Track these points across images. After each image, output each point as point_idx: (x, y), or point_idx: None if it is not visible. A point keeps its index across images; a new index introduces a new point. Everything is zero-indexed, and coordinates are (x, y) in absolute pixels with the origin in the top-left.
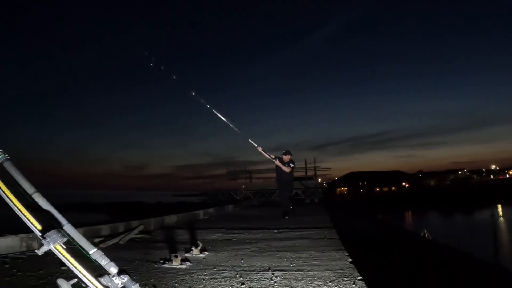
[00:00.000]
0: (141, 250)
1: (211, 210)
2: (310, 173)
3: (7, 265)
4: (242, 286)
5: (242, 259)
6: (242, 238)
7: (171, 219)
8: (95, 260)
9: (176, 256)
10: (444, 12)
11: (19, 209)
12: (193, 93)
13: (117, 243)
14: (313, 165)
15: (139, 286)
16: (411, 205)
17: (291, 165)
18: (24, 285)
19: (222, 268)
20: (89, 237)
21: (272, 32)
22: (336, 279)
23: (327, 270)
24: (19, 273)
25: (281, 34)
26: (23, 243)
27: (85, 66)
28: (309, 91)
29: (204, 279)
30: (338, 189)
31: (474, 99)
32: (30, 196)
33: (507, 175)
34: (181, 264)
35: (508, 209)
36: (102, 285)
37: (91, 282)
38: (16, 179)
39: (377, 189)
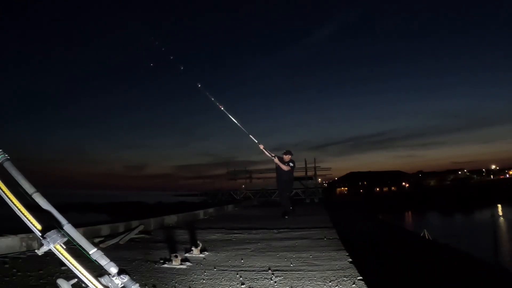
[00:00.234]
0: (141, 250)
1: (211, 210)
2: (310, 173)
3: (7, 265)
4: (242, 286)
5: (242, 259)
6: (242, 238)
7: (171, 219)
8: (95, 260)
9: (176, 256)
10: (443, 12)
11: (19, 209)
12: (199, 85)
13: (117, 243)
14: (313, 165)
15: (139, 286)
16: (411, 205)
17: (291, 164)
18: (24, 285)
19: (222, 268)
20: (89, 237)
21: (272, 32)
22: (336, 279)
23: (327, 270)
24: (19, 273)
25: (281, 34)
26: (23, 243)
27: (85, 66)
28: (309, 91)
29: (204, 279)
30: (338, 189)
31: (474, 99)
32: (30, 196)
33: (507, 175)
34: (181, 264)
35: (508, 209)
36: (102, 285)
37: (91, 282)
38: (16, 179)
39: (377, 189)
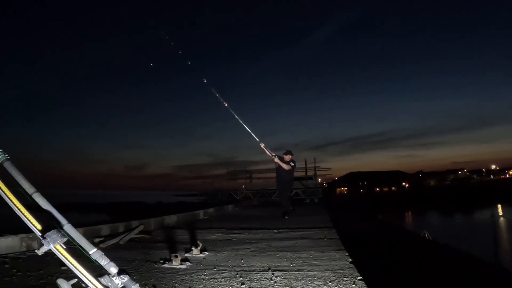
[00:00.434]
0: (141, 250)
1: (211, 210)
2: (310, 173)
3: (7, 265)
4: (242, 286)
5: (242, 259)
6: (242, 238)
7: (171, 219)
8: (95, 260)
9: (176, 256)
10: (444, 12)
11: (19, 209)
12: (205, 80)
13: (117, 243)
14: (313, 165)
15: (139, 286)
16: (411, 205)
17: (292, 164)
18: (24, 285)
19: (222, 268)
20: (89, 237)
21: (272, 32)
22: (336, 279)
23: (327, 270)
24: (19, 273)
25: (281, 34)
26: (23, 243)
27: (85, 66)
28: (309, 91)
29: (204, 279)
30: (338, 189)
31: (474, 99)
32: (30, 196)
33: (507, 175)
34: (181, 264)
35: (508, 209)
36: (102, 285)
37: (91, 282)
38: (16, 179)
39: (377, 189)
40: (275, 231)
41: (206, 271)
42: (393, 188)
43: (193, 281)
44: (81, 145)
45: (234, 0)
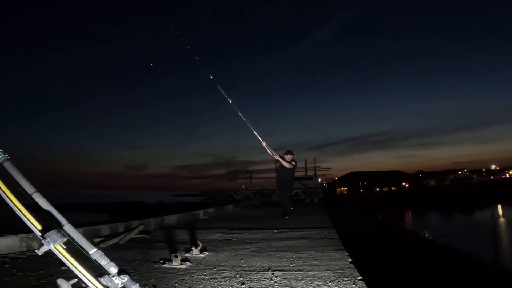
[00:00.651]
0: (141, 250)
1: (211, 210)
2: (310, 173)
3: (7, 265)
4: (242, 286)
5: (242, 259)
6: (242, 238)
7: (171, 219)
8: (95, 260)
9: (176, 256)
10: (444, 12)
11: (19, 209)
12: (211, 77)
13: (117, 243)
14: (313, 165)
15: (139, 286)
16: (411, 205)
17: (293, 163)
18: (24, 285)
19: (222, 268)
20: (89, 237)
21: (272, 32)
22: (336, 279)
23: (327, 270)
24: (19, 273)
25: (282, 34)
26: (23, 243)
27: (85, 66)
28: (310, 91)
29: (204, 279)
30: (338, 189)
31: (474, 99)
32: (30, 196)
33: (507, 175)
34: (181, 264)
35: (508, 209)
36: (102, 285)
37: (91, 282)
38: (16, 179)
39: (377, 189)
40: (275, 231)
41: (206, 271)
42: (393, 188)
43: (193, 281)
44: (81, 145)
45: (234, 0)
